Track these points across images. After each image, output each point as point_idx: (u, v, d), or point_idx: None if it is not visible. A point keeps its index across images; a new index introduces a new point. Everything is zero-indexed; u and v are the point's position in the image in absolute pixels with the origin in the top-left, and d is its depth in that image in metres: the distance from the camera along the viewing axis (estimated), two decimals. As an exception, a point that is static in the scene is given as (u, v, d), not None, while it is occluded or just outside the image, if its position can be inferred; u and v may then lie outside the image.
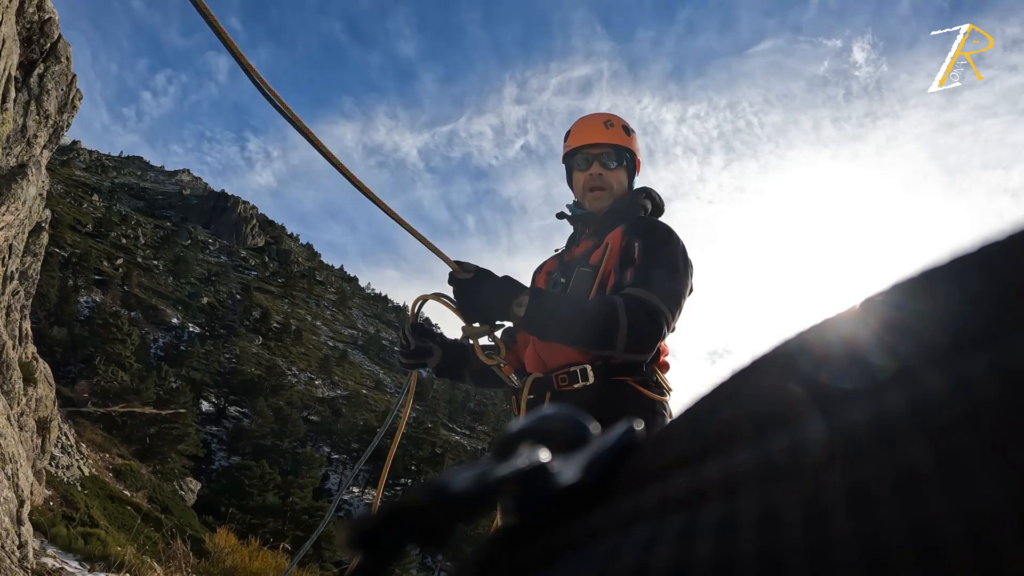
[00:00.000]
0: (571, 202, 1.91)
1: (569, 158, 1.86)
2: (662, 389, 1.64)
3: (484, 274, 1.52)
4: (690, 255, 1.67)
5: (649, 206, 1.82)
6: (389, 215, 1.47)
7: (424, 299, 1.77)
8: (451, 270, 1.55)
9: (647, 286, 1.51)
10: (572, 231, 1.94)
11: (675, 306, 1.54)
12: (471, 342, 1.67)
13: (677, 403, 1.72)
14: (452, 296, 1.56)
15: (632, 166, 1.85)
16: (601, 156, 1.79)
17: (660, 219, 1.77)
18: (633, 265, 1.57)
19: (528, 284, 1.96)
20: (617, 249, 1.66)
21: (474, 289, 1.50)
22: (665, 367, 1.70)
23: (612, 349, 1.48)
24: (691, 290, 1.68)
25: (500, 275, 1.53)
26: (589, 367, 1.60)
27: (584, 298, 1.63)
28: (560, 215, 1.92)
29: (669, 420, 0.23)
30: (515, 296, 1.48)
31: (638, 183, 1.89)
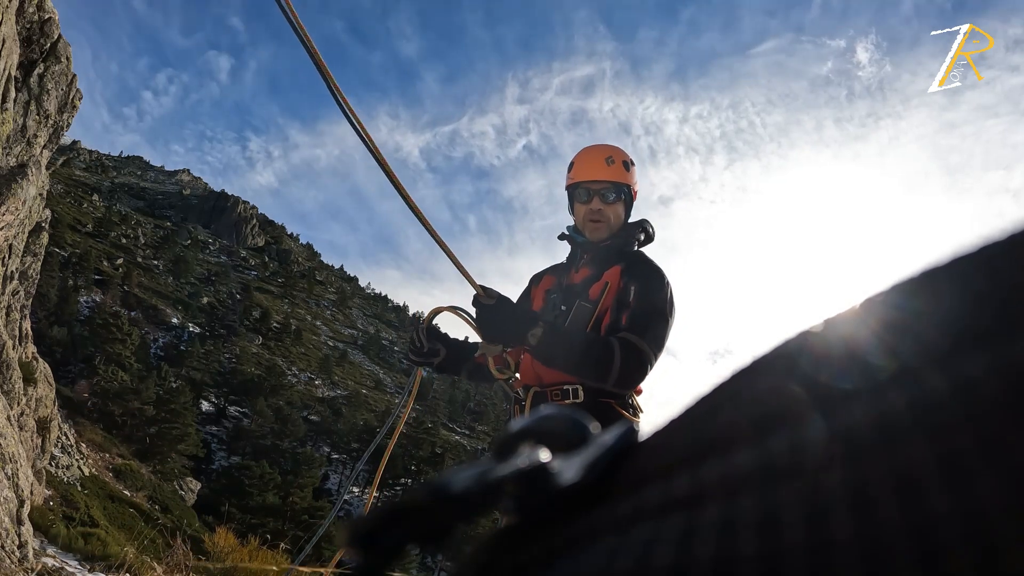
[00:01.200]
0: (571, 224, 2.09)
1: (571, 189, 2.03)
2: (636, 411, 1.89)
3: (505, 302, 1.72)
4: (676, 299, 1.89)
5: (642, 237, 2.03)
6: (436, 240, 1.67)
7: (439, 311, 1.96)
8: (476, 293, 1.73)
9: (640, 333, 1.74)
10: (571, 250, 2.11)
11: (660, 350, 1.79)
12: (487, 357, 1.91)
13: (646, 425, 1.87)
14: (474, 316, 1.76)
15: (629, 198, 2.01)
16: (601, 191, 1.95)
17: (652, 258, 1.96)
18: (629, 309, 1.80)
19: (525, 288, 2.19)
20: (615, 289, 1.87)
21: (495, 315, 1.70)
22: (639, 392, 1.91)
23: (604, 383, 1.72)
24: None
25: (517, 305, 1.75)
26: (580, 387, 1.84)
27: (586, 335, 1.83)
28: (561, 236, 2.11)
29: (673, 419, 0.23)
30: (531, 327, 1.69)
31: (636, 201, 2.07)
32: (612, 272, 1.90)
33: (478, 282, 1.75)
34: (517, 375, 1.98)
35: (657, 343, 1.76)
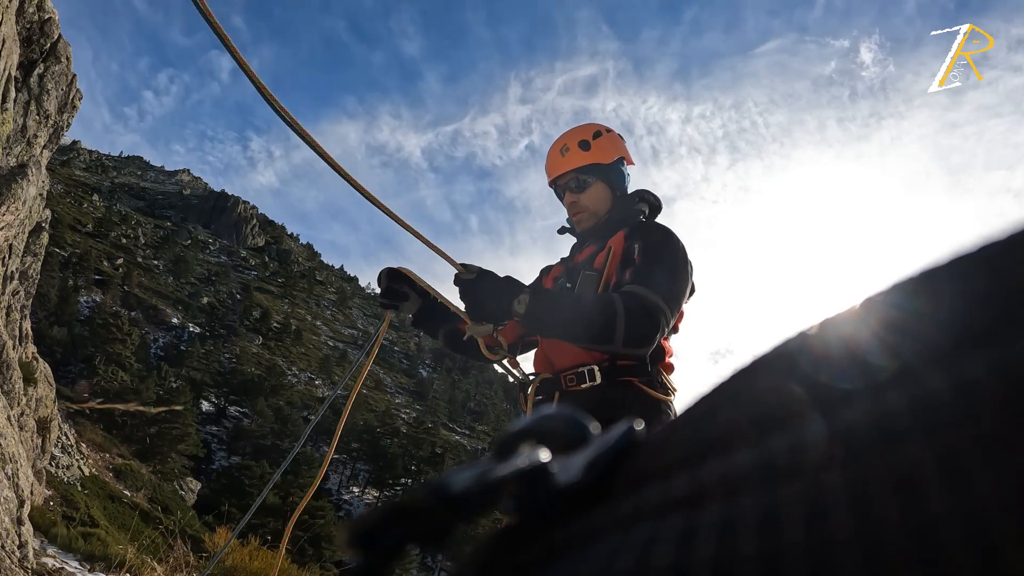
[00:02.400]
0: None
1: (552, 189, 1.95)
2: (667, 389, 1.68)
3: (486, 275, 1.58)
4: (690, 256, 1.71)
5: (646, 209, 1.87)
6: (393, 218, 1.52)
7: (413, 274, 1.85)
8: (456, 272, 1.61)
9: (645, 283, 1.55)
10: (575, 240, 1.99)
11: (673, 303, 1.57)
12: (476, 339, 1.75)
13: (680, 403, 1.71)
14: (459, 297, 1.62)
15: (606, 173, 1.83)
16: (568, 184, 1.84)
17: (660, 221, 1.80)
18: (633, 265, 1.62)
19: (536, 279, 2.04)
20: (619, 252, 1.70)
21: (478, 289, 1.57)
22: (670, 368, 1.72)
23: (611, 344, 1.50)
24: (692, 290, 1.72)
25: (502, 275, 1.59)
26: (596, 368, 1.64)
27: (580, 295, 1.68)
28: (562, 230, 2.00)
29: (672, 419, 0.23)
30: (516, 295, 1.53)
31: (631, 171, 1.92)
32: (616, 238, 1.74)
33: None
34: (510, 354, 1.84)
35: (668, 294, 1.55)
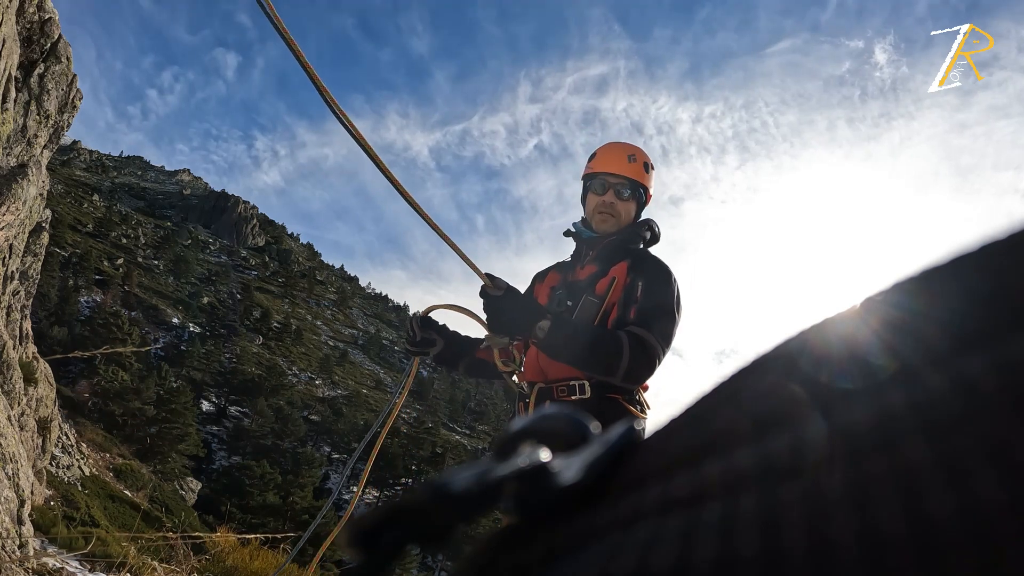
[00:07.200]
0: (580, 219, 2.09)
1: (588, 179, 2.04)
2: (643, 408, 1.87)
3: (513, 293, 1.70)
4: (683, 297, 1.89)
5: (648, 236, 2.03)
6: (437, 232, 1.63)
7: (436, 307, 1.99)
8: (483, 284, 1.71)
9: (648, 327, 1.73)
10: (576, 247, 2.10)
11: (668, 346, 1.79)
12: (493, 350, 1.91)
13: (653, 422, 1.85)
14: (483, 308, 1.75)
15: (643, 199, 2.03)
16: (617, 186, 1.97)
17: (659, 256, 1.96)
18: (636, 304, 1.79)
19: (529, 286, 2.16)
20: (622, 285, 1.86)
21: (503, 306, 1.69)
22: (646, 388, 1.91)
23: (612, 377, 1.70)
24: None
25: (526, 296, 1.73)
26: (587, 383, 1.81)
27: (593, 328, 1.81)
28: (567, 233, 2.10)
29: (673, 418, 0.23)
30: (538, 319, 1.68)
31: (645, 213, 2.08)
32: (619, 268, 1.89)
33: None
34: (522, 369, 1.96)
35: (665, 338, 1.75)
